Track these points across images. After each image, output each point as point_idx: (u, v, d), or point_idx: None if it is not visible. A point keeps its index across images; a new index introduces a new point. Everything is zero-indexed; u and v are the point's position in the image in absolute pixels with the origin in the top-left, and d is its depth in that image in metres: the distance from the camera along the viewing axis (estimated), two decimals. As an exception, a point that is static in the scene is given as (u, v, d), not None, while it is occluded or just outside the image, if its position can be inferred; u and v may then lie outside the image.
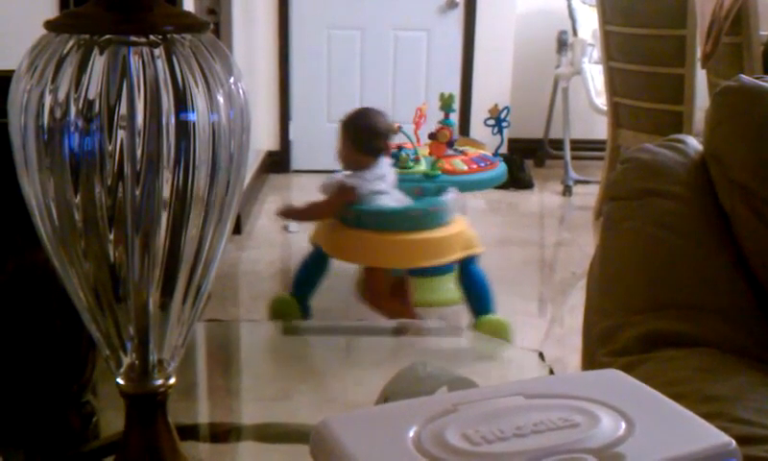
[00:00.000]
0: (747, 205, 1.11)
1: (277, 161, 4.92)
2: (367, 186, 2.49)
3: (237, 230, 3.42)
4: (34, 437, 0.90)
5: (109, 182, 0.60)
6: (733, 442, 0.51)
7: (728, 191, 1.13)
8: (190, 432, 1.04)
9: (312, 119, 4.98)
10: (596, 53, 4.46)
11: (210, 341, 1.64)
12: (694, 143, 1.23)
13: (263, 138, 4.86)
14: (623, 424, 0.52)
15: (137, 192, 0.60)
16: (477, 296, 2.56)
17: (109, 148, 0.59)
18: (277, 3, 4.86)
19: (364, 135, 2.53)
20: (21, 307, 0.86)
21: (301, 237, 3.63)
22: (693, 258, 1.12)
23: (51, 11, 1.92)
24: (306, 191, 3.73)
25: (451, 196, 2.57)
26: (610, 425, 0.52)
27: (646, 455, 0.50)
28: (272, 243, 3.65)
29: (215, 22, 3.59)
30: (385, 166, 2.56)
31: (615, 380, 0.60)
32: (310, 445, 0.53)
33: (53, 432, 0.90)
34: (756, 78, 1.17)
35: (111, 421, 0.93)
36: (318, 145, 4.83)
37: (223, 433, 1.10)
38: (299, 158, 5.04)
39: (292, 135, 5.01)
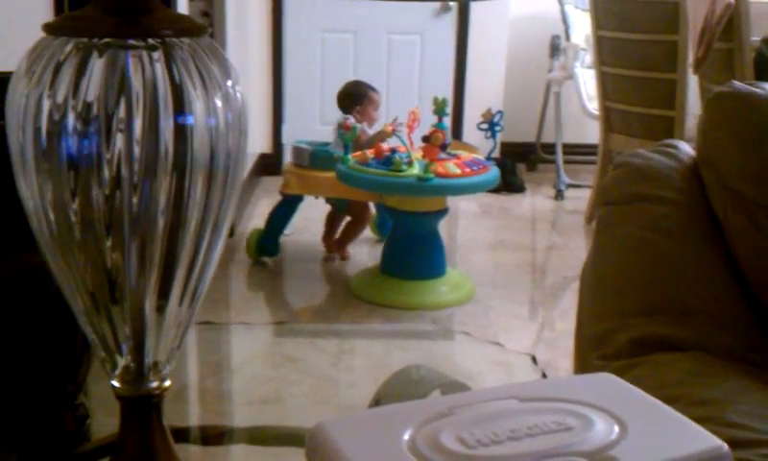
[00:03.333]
0: (739, 209, 1.12)
1: (270, 164, 4.91)
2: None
3: (230, 232, 3.42)
4: (28, 438, 0.89)
5: (107, 186, 0.60)
6: (725, 445, 0.52)
7: (720, 196, 1.14)
8: (182, 435, 1.04)
9: (305, 122, 4.98)
10: (589, 58, 4.47)
11: (202, 344, 1.64)
12: (686, 148, 1.24)
13: (256, 141, 4.86)
14: (616, 428, 0.53)
15: (135, 195, 0.60)
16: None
17: (107, 152, 0.59)
18: (271, 6, 4.85)
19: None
20: (16, 309, 0.86)
21: (294, 240, 3.63)
22: (685, 263, 1.13)
23: (48, 14, 1.91)
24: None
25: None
26: (603, 429, 0.53)
27: (639, 458, 0.50)
28: (264, 246, 3.64)
29: (208, 25, 3.59)
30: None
31: (608, 384, 0.60)
32: (306, 448, 0.54)
33: (47, 434, 0.90)
34: (749, 84, 1.18)
35: (104, 422, 0.93)
36: (310, 148, 4.82)
37: (215, 436, 1.11)
38: (291, 161, 5.03)
39: (285, 138, 5.00)
